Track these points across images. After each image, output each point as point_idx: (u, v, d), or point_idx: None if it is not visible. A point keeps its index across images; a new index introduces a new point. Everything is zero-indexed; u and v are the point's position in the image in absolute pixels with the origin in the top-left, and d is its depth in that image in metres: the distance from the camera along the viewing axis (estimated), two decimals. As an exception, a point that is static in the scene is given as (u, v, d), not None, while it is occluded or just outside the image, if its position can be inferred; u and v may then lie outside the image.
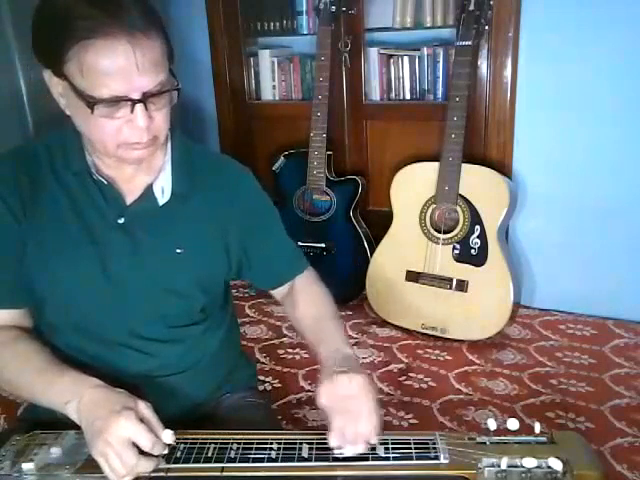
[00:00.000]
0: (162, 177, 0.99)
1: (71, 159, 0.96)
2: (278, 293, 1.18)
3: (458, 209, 2.24)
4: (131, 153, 0.90)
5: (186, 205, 1.01)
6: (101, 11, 0.79)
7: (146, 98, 0.84)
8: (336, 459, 0.84)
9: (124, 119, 0.86)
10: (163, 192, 0.99)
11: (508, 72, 2.33)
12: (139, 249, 0.98)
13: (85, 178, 0.96)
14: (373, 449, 0.86)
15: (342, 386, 0.87)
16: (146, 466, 0.81)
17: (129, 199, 0.98)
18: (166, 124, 0.91)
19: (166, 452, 0.84)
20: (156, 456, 0.82)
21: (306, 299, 1.12)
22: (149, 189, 0.99)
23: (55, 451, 0.86)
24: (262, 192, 1.12)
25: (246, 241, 1.07)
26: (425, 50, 2.49)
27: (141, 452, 0.81)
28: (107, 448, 0.79)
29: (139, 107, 0.84)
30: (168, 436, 0.83)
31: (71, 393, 0.86)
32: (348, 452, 0.84)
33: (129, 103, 0.84)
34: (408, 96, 2.59)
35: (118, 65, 0.80)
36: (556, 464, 0.78)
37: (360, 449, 0.85)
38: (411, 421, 1.86)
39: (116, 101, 0.83)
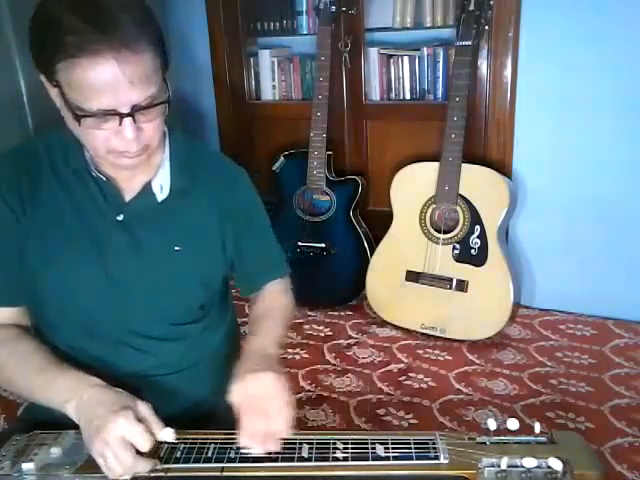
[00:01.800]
0: (161, 174, 0.99)
1: (70, 157, 0.96)
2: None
3: (458, 209, 2.24)
4: (122, 160, 0.90)
5: (185, 202, 1.01)
6: (90, 26, 0.77)
7: (135, 111, 0.84)
8: (336, 459, 0.84)
9: (112, 130, 0.85)
10: (162, 189, 0.99)
11: (508, 72, 2.33)
12: (138, 246, 0.98)
13: (84, 175, 0.96)
14: (373, 448, 0.85)
15: (251, 385, 0.88)
16: (143, 466, 0.81)
17: (128, 196, 0.98)
18: (157, 133, 0.90)
19: (156, 447, 0.83)
20: (153, 456, 0.82)
21: (265, 299, 1.13)
22: (148, 186, 0.99)
23: (55, 451, 0.86)
24: (256, 194, 1.13)
25: (239, 241, 1.08)
26: (425, 50, 2.49)
27: (139, 452, 0.80)
28: (105, 447, 0.79)
29: (127, 120, 0.83)
30: (169, 434, 0.83)
31: (71, 392, 0.86)
32: (257, 451, 0.84)
33: (117, 116, 0.83)
34: (408, 96, 2.59)
35: (105, 81, 0.79)
36: (556, 464, 0.78)
37: (272, 448, 0.84)
38: (411, 421, 1.87)
39: (103, 115, 0.83)
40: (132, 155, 0.88)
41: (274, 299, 1.14)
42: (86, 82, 0.80)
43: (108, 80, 0.79)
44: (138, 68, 0.81)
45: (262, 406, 0.86)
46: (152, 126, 0.88)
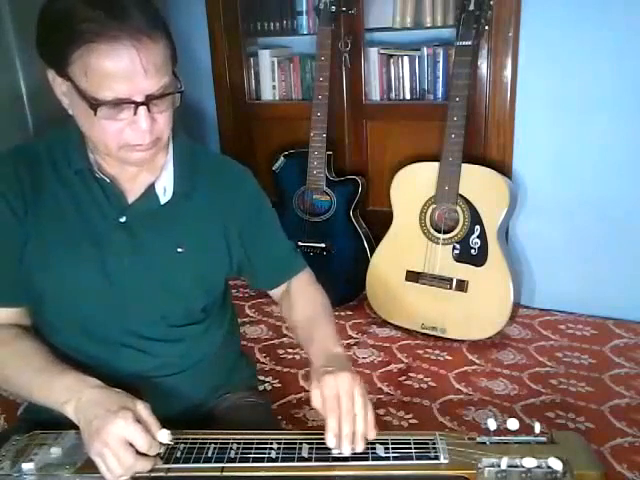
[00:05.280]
0: (164, 176, 1.00)
1: (73, 157, 0.96)
2: (275, 293, 1.18)
3: (458, 209, 2.24)
4: (133, 155, 0.90)
5: (187, 204, 1.01)
6: (105, 14, 0.79)
7: (149, 101, 0.85)
8: (336, 459, 0.84)
9: (127, 121, 0.86)
10: (165, 191, 0.99)
11: (508, 72, 2.33)
12: (140, 248, 0.98)
13: (87, 176, 0.97)
14: (373, 448, 0.86)
15: (329, 386, 0.87)
16: (143, 466, 0.81)
17: (131, 198, 0.99)
18: (168, 126, 0.92)
19: (161, 451, 0.83)
20: (153, 456, 0.82)
21: (302, 300, 1.12)
22: (151, 188, 0.99)
23: (55, 451, 0.86)
24: (262, 193, 1.12)
25: (246, 241, 1.08)
26: (425, 50, 2.49)
27: (138, 452, 0.80)
28: (104, 448, 0.79)
29: (142, 109, 0.84)
30: (165, 436, 0.83)
31: (70, 392, 0.86)
32: (346, 451, 0.84)
33: (132, 105, 0.84)
34: (408, 96, 2.59)
35: (122, 68, 0.80)
36: (556, 464, 0.78)
37: (359, 448, 0.84)
38: (411, 421, 1.86)
39: (119, 103, 0.83)
40: (143, 148, 0.89)
41: (310, 297, 1.13)
42: (103, 69, 0.80)
43: (125, 67, 0.80)
44: (154, 56, 0.82)
45: (344, 406, 0.86)
46: (164, 117, 0.89)
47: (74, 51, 0.80)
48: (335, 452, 0.85)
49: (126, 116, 0.85)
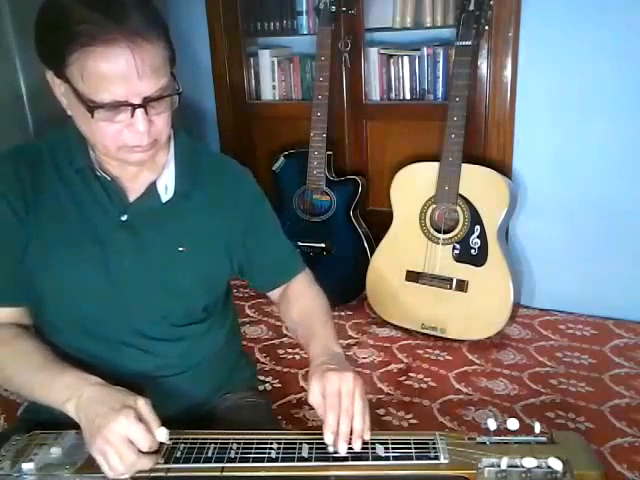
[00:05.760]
0: (165, 175, 1.00)
1: (74, 156, 0.96)
2: (273, 294, 1.18)
3: (458, 209, 2.24)
4: (132, 156, 0.90)
5: (189, 203, 1.01)
6: (103, 16, 0.78)
7: (146, 103, 0.84)
8: (336, 459, 0.84)
9: (124, 123, 0.86)
10: (166, 190, 0.99)
11: (508, 72, 2.33)
12: (142, 247, 0.98)
13: (88, 175, 0.96)
14: (373, 448, 0.86)
15: (332, 383, 0.87)
16: (145, 464, 0.81)
17: (132, 196, 0.98)
18: (167, 127, 0.91)
19: (158, 447, 0.83)
20: (155, 454, 0.82)
21: (300, 302, 1.12)
22: (152, 186, 0.99)
23: (55, 451, 0.86)
24: (262, 194, 1.13)
25: (246, 241, 1.08)
26: (425, 50, 2.49)
27: (139, 450, 0.80)
28: (106, 445, 0.79)
29: (139, 112, 0.84)
30: (162, 434, 0.83)
31: (71, 390, 0.86)
32: (342, 450, 0.84)
33: (129, 108, 0.84)
34: (408, 96, 2.59)
35: (119, 70, 0.80)
36: (556, 464, 0.78)
37: (357, 447, 0.85)
38: (411, 421, 1.86)
39: (116, 106, 0.83)
40: (142, 150, 0.89)
41: (309, 298, 1.13)
42: (100, 72, 0.80)
43: (122, 69, 0.80)
44: (151, 58, 0.82)
45: (344, 404, 0.86)
46: (162, 119, 0.89)
47: (71, 53, 0.80)
48: (331, 449, 0.85)
49: (123, 118, 0.85)
